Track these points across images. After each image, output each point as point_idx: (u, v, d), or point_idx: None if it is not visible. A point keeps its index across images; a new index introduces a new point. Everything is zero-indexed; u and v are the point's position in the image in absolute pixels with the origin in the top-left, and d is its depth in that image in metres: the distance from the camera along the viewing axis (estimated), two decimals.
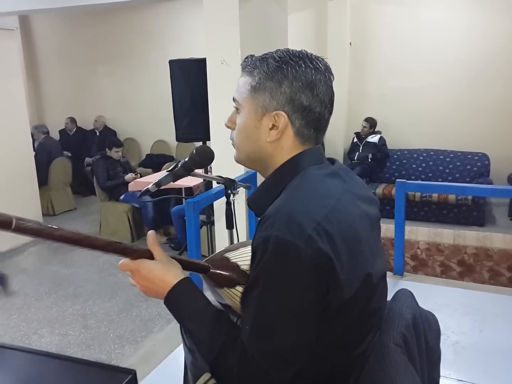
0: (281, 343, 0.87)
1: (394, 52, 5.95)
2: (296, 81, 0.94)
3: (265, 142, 0.98)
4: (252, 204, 1.05)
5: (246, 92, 0.98)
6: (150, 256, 0.99)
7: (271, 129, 0.97)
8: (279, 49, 0.98)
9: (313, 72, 0.95)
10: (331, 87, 0.99)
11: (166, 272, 0.97)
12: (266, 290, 0.87)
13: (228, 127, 1.06)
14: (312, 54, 0.99)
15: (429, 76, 5.77)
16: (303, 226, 0.84)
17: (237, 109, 1.03)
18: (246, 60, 1.01)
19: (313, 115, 0.96)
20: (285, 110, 0.95)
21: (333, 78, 0.99)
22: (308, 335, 0.88)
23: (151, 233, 1.01)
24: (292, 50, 0.98)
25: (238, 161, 1.07)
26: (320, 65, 0.97)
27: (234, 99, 1.03)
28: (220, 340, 0.92)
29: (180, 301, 0.96)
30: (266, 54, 0.99)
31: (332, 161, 1.04)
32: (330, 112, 1.00)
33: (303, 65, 0.94)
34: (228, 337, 0.92)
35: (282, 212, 0.87)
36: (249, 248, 1.05)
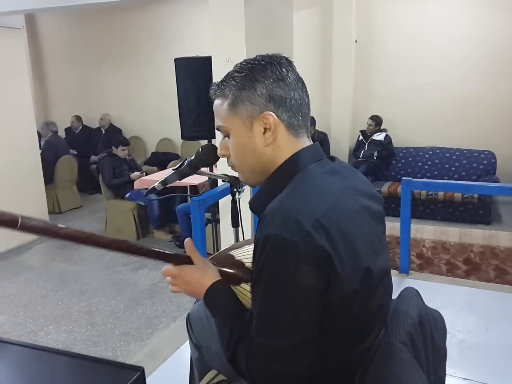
0: (284, 339, 0.88)
1: (400, 50, 5.92)
2: (267, 79, 0.97)
3: (263, 148, 1.00)
4: (254, 207, 1.05)
5: (226, 112, 1.01)
6: (169, 258, 1.06)
7: (264, 133, 0.99)
8: (235, 64, 1.03)
9: (277, 67, 0.99)
10: (297, 72, 1.02)
11: (203, 276, 1.05)
12: (267, 288, 0.88)
13: (223, 155, 1.08)
14: (266, 54, 1.02)
15: (435, 73, 5.74)
16: (301, 223, 0.85)
17: (224, 135, 1.05)
18: (212, 88, 1.04)
19: (295, 102, 0.99)
20: (269, 109, 0.97)
21: (294, 65, 1.02)
22: (312, 331, 0.89)
23: (188, 240, 1.08)
24: (247, 59, 1.02)
25: (245, 181, 1.09)
26: (278, 59, 1.01)
27: (218, 128, 1.05)
28: (235, 335, 0.96)
29: (212, 301, 1.05)
30: (226, 74, 1.02)
31: (332, 158, 1.05)
32: (307, 95, 1.03)
33: (267, 65, 0.99)
34: (242, 332, 0.96)
35: (280, 210, 0.88)
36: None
